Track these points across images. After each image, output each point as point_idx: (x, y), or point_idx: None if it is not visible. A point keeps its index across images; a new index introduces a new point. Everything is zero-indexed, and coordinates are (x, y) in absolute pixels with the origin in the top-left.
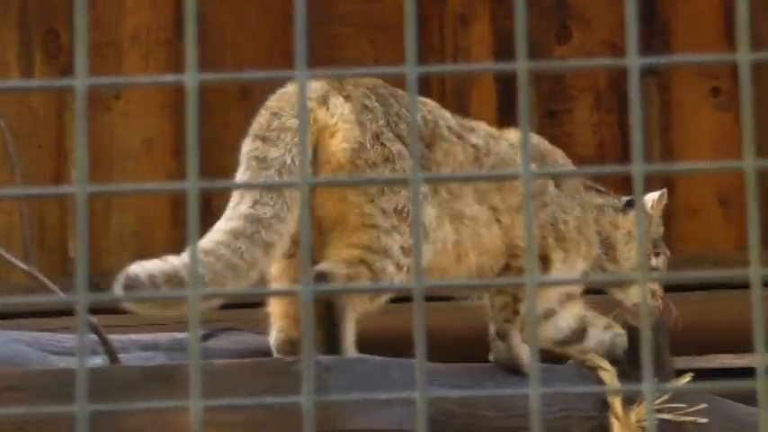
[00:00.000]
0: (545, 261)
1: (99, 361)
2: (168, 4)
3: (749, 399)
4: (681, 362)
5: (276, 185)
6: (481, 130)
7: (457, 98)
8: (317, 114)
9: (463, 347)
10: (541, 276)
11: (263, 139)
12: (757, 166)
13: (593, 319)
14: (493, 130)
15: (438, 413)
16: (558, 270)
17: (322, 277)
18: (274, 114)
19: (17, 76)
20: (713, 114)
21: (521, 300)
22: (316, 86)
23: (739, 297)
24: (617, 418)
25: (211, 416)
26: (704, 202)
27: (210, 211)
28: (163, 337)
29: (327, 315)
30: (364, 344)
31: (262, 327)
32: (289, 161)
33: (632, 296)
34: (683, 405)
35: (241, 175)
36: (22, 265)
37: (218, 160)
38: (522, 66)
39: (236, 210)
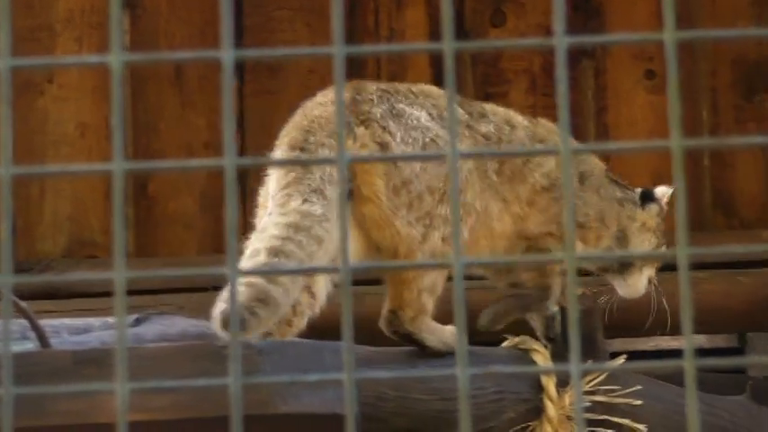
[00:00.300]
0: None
1: (30, 346)
2: None
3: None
4: (617, 344)
5: (311, 162)
6: (497, 117)
7: (391, 80)
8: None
9: (375, 332)
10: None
11: (302, 149)
12: (684, 146)
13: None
14: (514, 117)
15: (372, 396)
16: None
17: (393, 323)
18: (308, 131)
19: None
20: (647, 96)
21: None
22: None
23: (669, 279)
24: (551, 399)
25: (141, 400)
26: (638, 182)
27: (147, 195)
28: (96, 321)
29: (410, 342)
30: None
31: (197, 311)
32: (329, 169)
33: (630, 283)
34: (617, 387)
35: (281, 177)
36: None
37: (154, 144)
38: (448, 46)
39: (287, 207)
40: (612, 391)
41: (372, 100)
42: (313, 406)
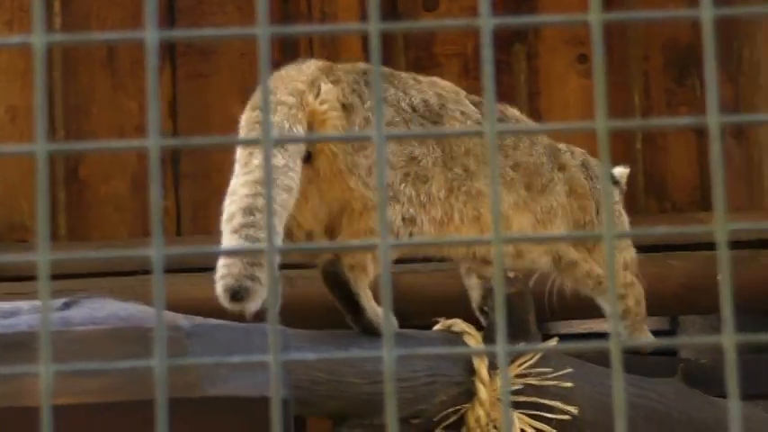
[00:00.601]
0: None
1: None
2: None
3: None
4: (550, 327)
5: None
6: (513, 120)
7: None
8: (306, 98)
9: (336, 314)
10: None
11: (261, 109)
12: (609, 127)
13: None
14: (528, 122)
15: (305, 380)
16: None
17: (333, 264)
18: (270, 92)
19: None
20: (580, 80)
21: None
22: (306, 71)
23: None
24: (482, 382)
25: (68, 383)
26: None
27: (78, 178)
28: (25, 305)
29: (343, 292)
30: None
31: (127, 295)
32: (287, 126)
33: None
34: (549, 369)
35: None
36: None
37: (85, 126)
38: (374, 27)
39: (250, 165)
40: (544, 373)
41: (356, 71)
42: (242, 389)
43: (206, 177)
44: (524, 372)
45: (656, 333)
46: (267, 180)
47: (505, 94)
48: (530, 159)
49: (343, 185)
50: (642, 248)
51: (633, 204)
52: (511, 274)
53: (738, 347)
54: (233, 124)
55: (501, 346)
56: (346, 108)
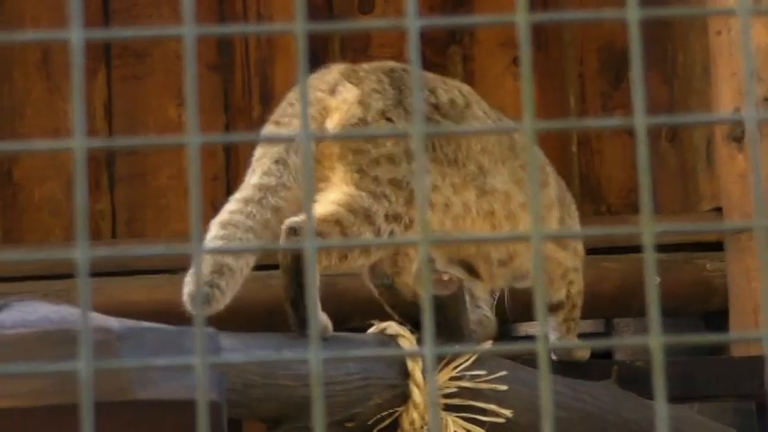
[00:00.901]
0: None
1: None
2: None
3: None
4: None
5: (276, 139)
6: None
7: (260, 66)
8: (327, 103)
9: (275, 318)
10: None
11: (277, 123)
12: (536, 128)
13: None
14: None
15: (239, 383)
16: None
17: (292, 232)
18: (290, 104)
19: None
20: (516, 83)
21: (579, 306)
22: (328, 78)
23: None
24: (417, 385)
25: None
26: None
27: (12, 181)
28: None
29: (294, 265)
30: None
31: (61, 298)
32: (297, 141)
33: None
34: (483, 372)
35: (256, 152)
36: None
37: (20, 129)
38: (300, 27)
39: (248, 181)
40: (478, 376)
41: (382, 69)
42: (173, 392)
43: (141, 180)
44: (459, 374)
45: (591, 336)
46: (271, 185)
47: None
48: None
49: (341, 179)
50: None
51: None
52: (445, 277)
53: (674, 350)
54: (168, 126)
55: (428, 348)
56: (362, 104)
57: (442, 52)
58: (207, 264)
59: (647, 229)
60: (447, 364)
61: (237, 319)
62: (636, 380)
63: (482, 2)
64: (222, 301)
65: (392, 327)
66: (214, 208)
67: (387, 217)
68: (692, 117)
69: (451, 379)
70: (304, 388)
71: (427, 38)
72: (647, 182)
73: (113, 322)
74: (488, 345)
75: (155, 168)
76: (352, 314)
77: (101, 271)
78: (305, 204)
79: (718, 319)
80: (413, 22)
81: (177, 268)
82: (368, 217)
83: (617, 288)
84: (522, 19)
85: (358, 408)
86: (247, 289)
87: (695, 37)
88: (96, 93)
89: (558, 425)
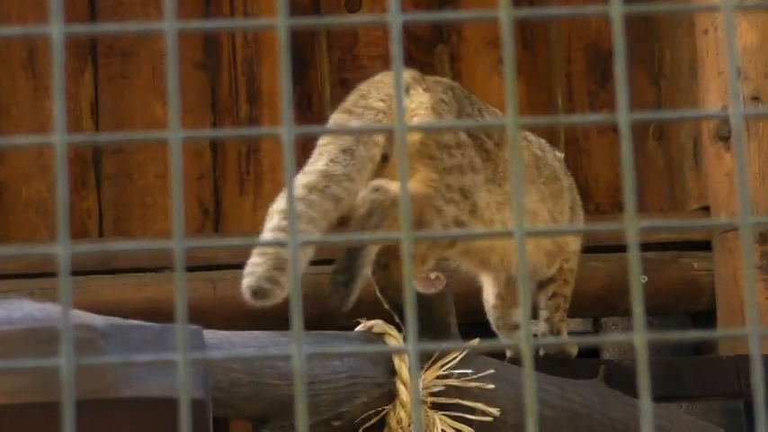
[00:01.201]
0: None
1: None
2: None
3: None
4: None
5: (368, 131)
6: (536, 141)
7: (247, 65)
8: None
9: (256, 317)
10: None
11: (349, 112)
12: (519, 124)
13: None
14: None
15: (225, 382)
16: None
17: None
18: (362, 96)
19: None
20: (502, 82)
21: (569, 299)
22: (402, 75)
23: None
24: (404, 383)
25: None
26: None
27: None
28: None
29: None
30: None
31: (47, 297)
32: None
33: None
34: (470, 371)
35: (321, 139)
36: None
37: (5, 128)
38: (282, 22)
39: (313, 166)
40: (465, 374)
41: (444, 84)
42: (158, 390)
43: (128, 179)
44: (446, 373)
45: (579, 335)
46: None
47: None
48: (545, 155)
49: (422, 178)
50: None
51: None
52: (432, 275)
53: (661, 349)
54: (155, 125)
55: (412, 345)
56: (436, 111)
57: (429, 51)
58: (269, 258)
59: (631, 225)
60: (434, 362)
61: (222, 317)
62: (623, 379)
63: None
64: (280, 297)
65: (379, 325)
66: (201, 207)
67: (455, 221)
68: (676, 113)
69: (438, 377)
70: (290, 386)
71: (414, 37)
72: (632, 178)
73: (98, 320)
74: (474, 342)
75: (141, 167)
76: (338, 314)
77: (87, 269)
78: (402, 193)
79: (705, 318)
80: (395, 17)
81: (163, 267)
82: (441, 218)
83: (604, 287)
84: (504, 15)
85: (345, 406)
86: (235, 287)
87: (682, 36)
88: (83, 92)
89: (544, 424)
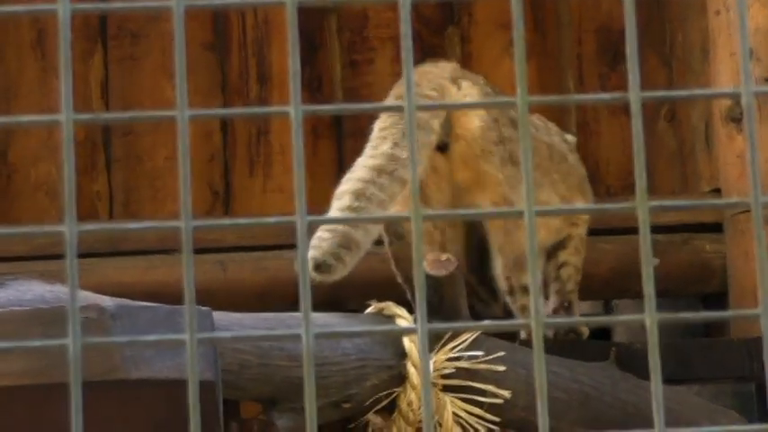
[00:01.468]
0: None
1: None
2: None
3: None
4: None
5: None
6: (549, 126)
7: (257, 46)
8: (449, 90)
9: (265, 299)
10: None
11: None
12: (529, 102)
13: None
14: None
15: (235, 364)
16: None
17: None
18: (415, 84)
19: None
20: (513, 65)
21: (580, 270)
22: (447, 68)
23: None
24: (414, 366)
25: None
26: None
27: (7, 162)
28: None
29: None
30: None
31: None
32: (426, 119)
33: None
34: (480, 353)
35: (381, 122)
36: None
37: (14, 109)
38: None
39: (378, 149)
40: (476, 357)
41: (481, 79)
42: (167, 371)
43: (138, 161)
44: (456, 355)
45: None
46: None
47: None
48: (552, 139)
49: (480, 170)
50: None
51: None
52: (443, 257)
53: (672, 332)
54: (164, 106)
55: (421, 325)
56: (487, 109)
57: (439, 33)
58: (336, 234)
59: (642, 204)
60: (444, 344)
61: (232, 300)
62: (634, 361)
63: None
64: (341, 274)
65: (389, 307)
66: (211, 189)
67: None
68: (687, 92)
69: (449, 360)
70: (299, 368)
71: (424, 18)
72: (642, 157)
73: (107, 301)
74: (485, 323)
75: (151, 150)
76: (349, 296)
77: (95, 252)
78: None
79: (716, 300)
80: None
81: (172, 249)
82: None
83: (613, 270)
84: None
85: (354, 389)
86: (242, 270)
87: (694, 18)
88: (92, 74)
89: (555, 406)
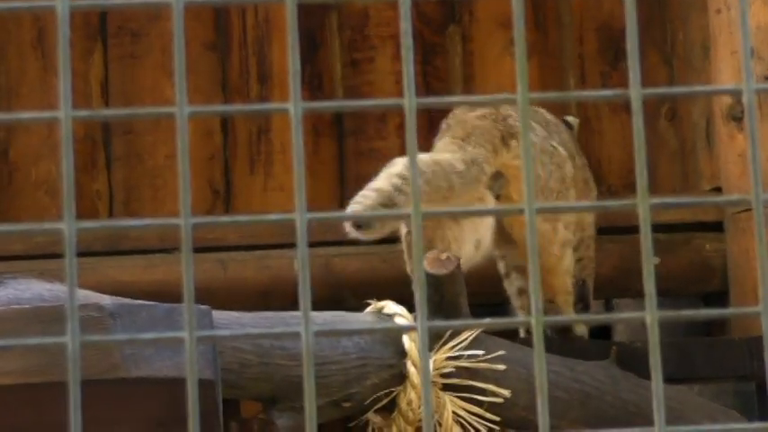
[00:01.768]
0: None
1: None
2: None
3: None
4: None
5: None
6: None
7: (257, 45)
8: (498, 148)
9: (266, 298)
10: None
11: (463, 139)
12: (530, 98)
13: None
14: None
15: (235, 363)
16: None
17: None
18: (469, 134)
19: None
20: (514, 63)
21: (594, 260)
22: (492, 125)
23: None
24: (414, 365)
25: None
26: None
27: (8, 160)
28: None
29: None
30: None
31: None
32: (480, 160)
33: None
34: (481, 352)
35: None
36: None
37: (15, 108)
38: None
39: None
40: (476, 356)
41: (511, 114)
42: (167, 370)
43: (138, 160)
44: (456, 354)
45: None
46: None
47: (440, 76)
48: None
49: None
50: None
51: None
52: (443, 256)
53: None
54: (165, 105)
55: (421, 322)
56: (546, 151)
57: (440, 32)
58: (380, 194)
59: (643, 201)
60: (444, 343)
61: (233, 299)
62: (635, 360)
63: None
64: (378, 233)
65: (389, 306)
66: (211, 188)
67: (566, 227)
68: (688, 89)
69: (449, 359)
70: (299, 367)
71: (426, 17)
72: (643, 154)
73: (106, 300)
74: (485, 321)
75: (151, 148)
76: (348, 295)
77: (95, 251)
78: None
79: (717, 299)
80: None
81: (172, 248)
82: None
83: (615, 269)
84: None
85: (354, 388)
86: (243, 269)
87: (695, 16)
88: (93, 72)
89: (556, 405)
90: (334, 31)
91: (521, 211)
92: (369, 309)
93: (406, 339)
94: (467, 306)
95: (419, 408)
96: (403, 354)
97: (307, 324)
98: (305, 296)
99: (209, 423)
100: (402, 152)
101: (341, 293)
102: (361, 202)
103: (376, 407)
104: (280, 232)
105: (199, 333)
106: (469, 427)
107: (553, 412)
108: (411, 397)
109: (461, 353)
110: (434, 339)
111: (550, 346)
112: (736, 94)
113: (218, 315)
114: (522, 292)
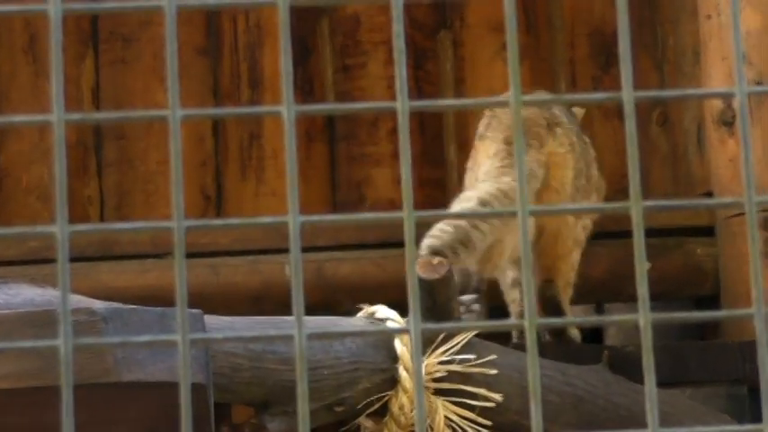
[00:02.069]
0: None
1: None
2: None
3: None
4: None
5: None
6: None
7: (249, 51)
8: (544, 138)
9: (259, 303)
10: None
11: (509, 143)
12: (522, 101)
13: None
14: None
15: (227, 367)
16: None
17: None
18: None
19: None
20: (505, 68)
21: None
22: (538, 112)
23: None
24: (406, 369)
25: None
26: None
27: None
28: None
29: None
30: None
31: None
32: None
33: None
34: (472, 356)
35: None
36: None
37: (6, 112)
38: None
39: (502, 179)
40: (468, 360)
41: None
42: (159, 374)
43: (130, 165)
44: (448, 359)
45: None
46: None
47: (431, 80)
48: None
49: (563, 216)
50: None
51: None
52: (435, 260)
53: (665, 335)
54: (156, 110)
55: (413, 325)
56: (571, 146)
57: (431, 37)
58: (459, 231)
59: (636, 204)
60: (436, 348)
61: (226, 304)
62: (627, 364)
63: None
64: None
65: (381, 310)
66: (203, 194)
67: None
68: (680, 92)
69: (441, 363)
70: (291, 372)
71: (417, 23)
72: (635, 157)
73: (98, 304)
74: (478, 323)
75: (143, 154)
76: (341, 300)
77: (87, 255)
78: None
79: (709, 303)
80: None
81: (165, 252)
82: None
83: (607, 273)
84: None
85: (347, 392)
86: (235, 274)
87: (685, 21)
88: (84, 77)
89: (548, 409)
90: (325, 37)
91: (513, 214)
92: (360, 313)
93: (398, 343)
94: (459, 311)
95: (411, 412)
96: (395, 358)
97: (300, 327)
98: (298, 299)
99: (201, 427)
100: (394, 156)
101: (333, 298)
102: (441, 237)
103: (368, 411)
104: (272, 237)
105: (191, 336)
106: None
107: (545, 416)
108: (403, 401)
109: (453, 357)
110: (426, 344)
111: (543, 351)
112: (728, 98)
113: (211, 320)
114: (517, 283)
